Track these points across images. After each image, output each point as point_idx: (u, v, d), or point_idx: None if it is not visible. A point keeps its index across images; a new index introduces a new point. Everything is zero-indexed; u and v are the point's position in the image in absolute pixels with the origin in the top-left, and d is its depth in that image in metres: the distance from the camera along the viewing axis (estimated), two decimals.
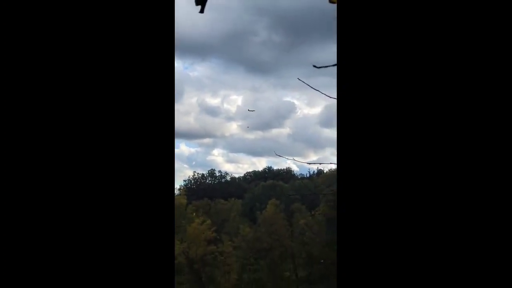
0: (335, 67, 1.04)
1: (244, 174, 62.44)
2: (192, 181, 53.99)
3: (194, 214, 26.65)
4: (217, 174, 57.52)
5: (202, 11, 1.00)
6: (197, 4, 0.99)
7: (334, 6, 1.00)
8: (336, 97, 0.99)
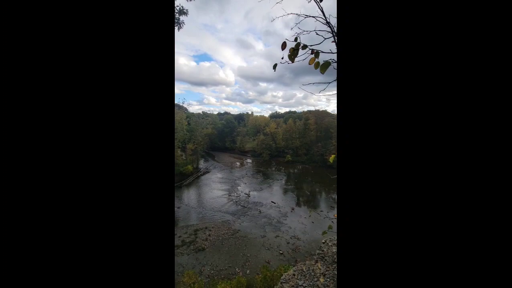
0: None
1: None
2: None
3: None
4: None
5: (274, 70, 2.34)
6: (274, 68, 2.38)
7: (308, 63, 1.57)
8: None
